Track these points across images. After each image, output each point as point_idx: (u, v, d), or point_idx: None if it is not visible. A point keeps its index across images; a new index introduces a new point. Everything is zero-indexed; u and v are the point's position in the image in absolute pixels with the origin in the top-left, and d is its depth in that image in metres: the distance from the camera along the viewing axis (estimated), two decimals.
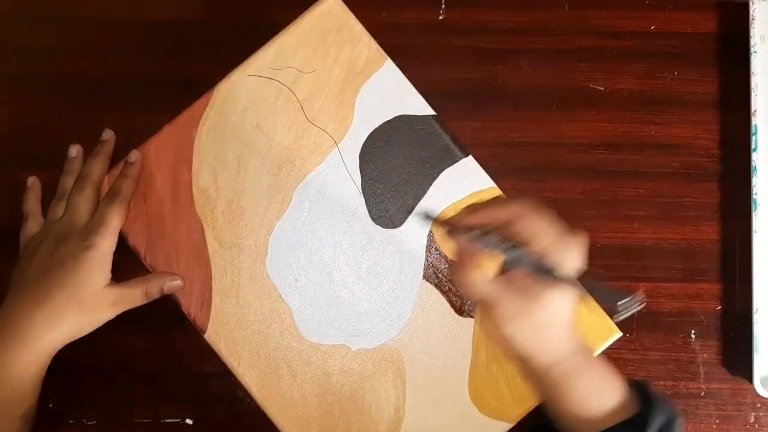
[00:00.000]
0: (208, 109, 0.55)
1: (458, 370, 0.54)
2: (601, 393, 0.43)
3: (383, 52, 0.56)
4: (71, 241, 0.52)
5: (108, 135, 0.57)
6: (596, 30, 0.59)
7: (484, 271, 0.42)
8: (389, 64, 0.56)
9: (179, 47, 0.59)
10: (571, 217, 0.43)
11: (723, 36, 0.59)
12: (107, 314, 0.52)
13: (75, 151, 0.57)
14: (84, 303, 0.51)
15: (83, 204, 0.54)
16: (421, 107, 0.56)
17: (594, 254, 0.57)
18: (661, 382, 0.57)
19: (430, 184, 0.56)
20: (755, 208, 0.56)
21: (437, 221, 0.53)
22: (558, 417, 0.45)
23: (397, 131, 0.56)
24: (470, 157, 0.56)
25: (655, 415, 0.42)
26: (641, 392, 0.44)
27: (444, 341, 0.55)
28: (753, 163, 0.56)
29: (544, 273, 0.40)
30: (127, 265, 0.55)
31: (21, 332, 0.49)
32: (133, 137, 0.57)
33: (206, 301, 0.55)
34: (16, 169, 0.59)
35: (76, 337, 0.51)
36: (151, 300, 0.54)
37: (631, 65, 0.59)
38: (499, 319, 0.41)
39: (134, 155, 0.56)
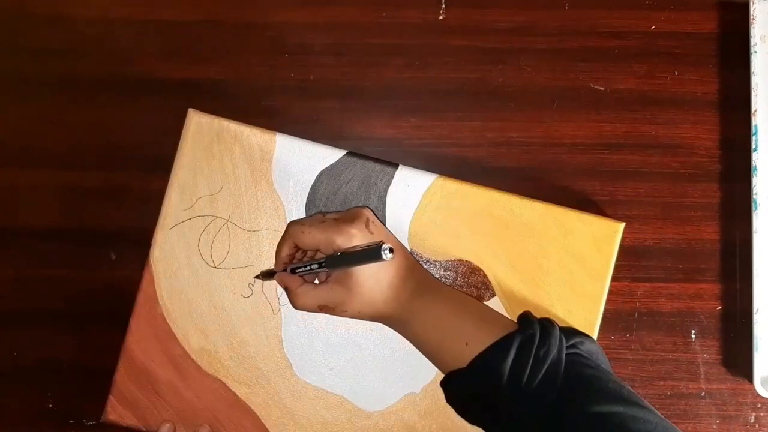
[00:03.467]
0: (156, 279, 0.54)
1: None
2: (459, 325, 0.47)
3: (268, 130, 0.54)
4: None
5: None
6: (596, 30, 0.59)
7: (306, 286, 0.49)
8: (280, 137, 0.54)
9: (179, 47, 0.59)
10: None
11: (723, 36, 0.59)
12: None
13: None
14: None
15: None
16: (333, 153, 0.54)
17: None
18: (661, 382, 0.57)
19: (385, 211, 0.55)
20: (755, 208, 0.56)
21: (265, 276, 0.53)
22: (436, 361, 0.49)
23: (327, 186, 0.55)
24: (400, 165, 0.54)
25: (516, 335, 0.45)
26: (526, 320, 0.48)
27: None
28: (753, 163, 0.56)
29: (338, 264, 0.48)
30: None
31: None
32: (133, 137, 0.58)
33: None
34: (17, 169, 0.59)
35: None
36: None
37: (631, 65, 0.59)
38: (339, 312, 0.49)
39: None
